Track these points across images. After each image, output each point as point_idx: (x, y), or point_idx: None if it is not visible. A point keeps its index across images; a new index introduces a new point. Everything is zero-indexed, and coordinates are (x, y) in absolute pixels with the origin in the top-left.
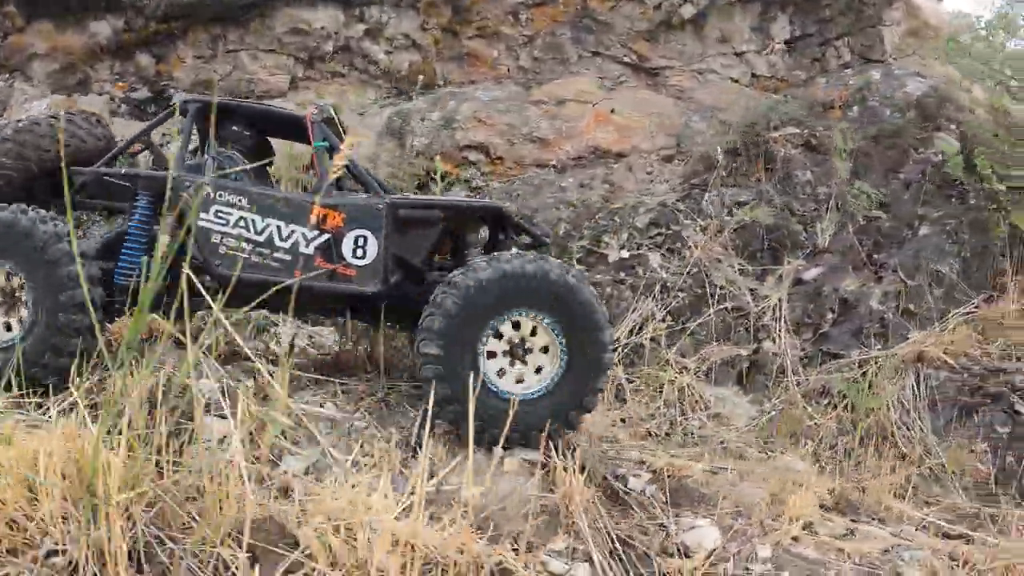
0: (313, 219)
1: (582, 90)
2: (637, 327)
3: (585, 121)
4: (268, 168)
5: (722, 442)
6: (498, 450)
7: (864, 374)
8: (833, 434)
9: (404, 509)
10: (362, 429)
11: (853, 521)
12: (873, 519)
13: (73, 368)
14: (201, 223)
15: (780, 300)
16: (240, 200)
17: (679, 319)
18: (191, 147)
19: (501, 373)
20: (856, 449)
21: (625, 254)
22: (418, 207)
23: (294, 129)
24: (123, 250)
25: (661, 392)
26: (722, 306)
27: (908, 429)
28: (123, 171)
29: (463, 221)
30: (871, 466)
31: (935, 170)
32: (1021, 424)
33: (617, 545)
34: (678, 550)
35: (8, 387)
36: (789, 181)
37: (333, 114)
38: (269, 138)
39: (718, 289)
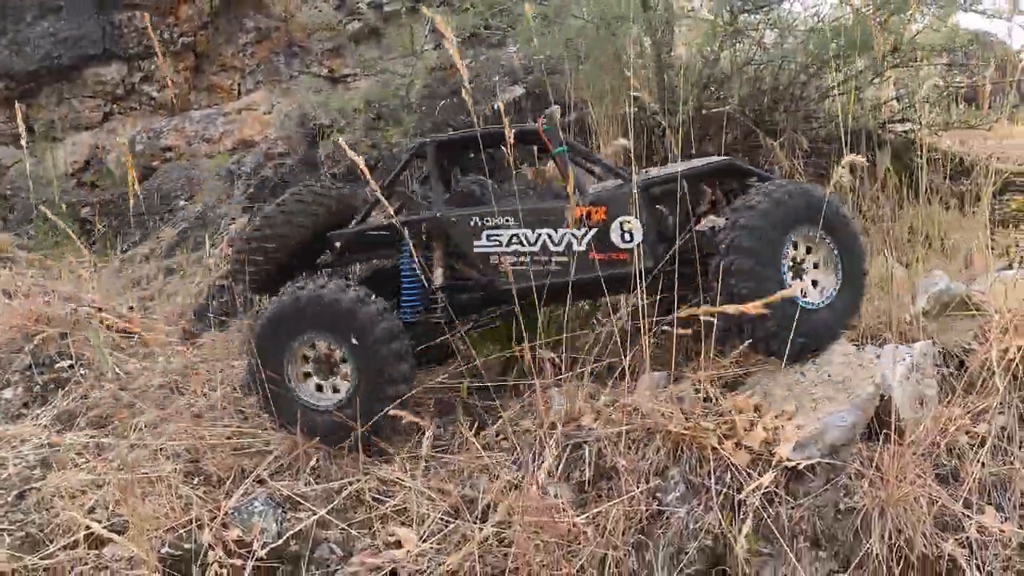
0: (579, 218)
1: (255, 101)
2: None
3: (246, 123)
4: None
5: None
6: None
7: None
8: None
9: None
10: None
11: None
12: None
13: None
14: (478, 249)
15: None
16: (508, 220)
17: None
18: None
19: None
20: None
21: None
22: (662, 182)
23: (529, 140)
24: (403, 292)
25: None
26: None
27: None
28: (386, 223)
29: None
30: None
31: None
32: None
33: None
34: None
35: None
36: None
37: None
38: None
39: None
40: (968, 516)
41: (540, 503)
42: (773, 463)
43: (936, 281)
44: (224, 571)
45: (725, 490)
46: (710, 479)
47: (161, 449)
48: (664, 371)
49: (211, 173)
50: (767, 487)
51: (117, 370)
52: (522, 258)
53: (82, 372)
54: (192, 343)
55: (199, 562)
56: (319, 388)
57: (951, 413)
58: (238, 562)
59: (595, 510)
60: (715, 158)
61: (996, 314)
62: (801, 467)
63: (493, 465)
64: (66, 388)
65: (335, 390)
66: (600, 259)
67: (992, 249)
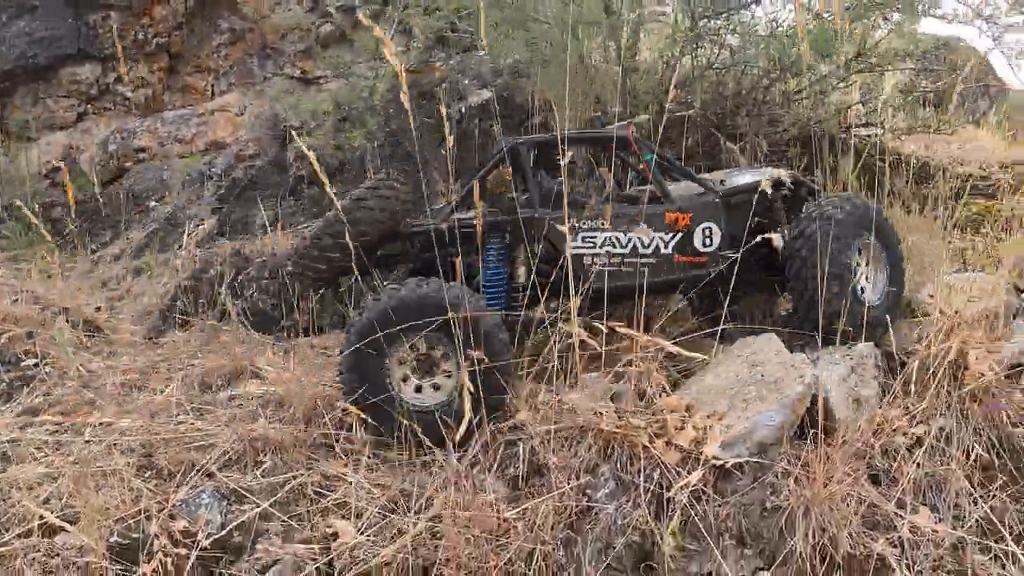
0: (668, 223)
1: (228, 102)
2: None
3: (219, 124)
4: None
5: None
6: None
7: None
8: None
9: None
10: None
11: None
12: None
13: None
14: (573, 251)
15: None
16: (602, 223)
17: None
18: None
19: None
20: None
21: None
22: (738, 193)
23: (615, 147)
24: (486, 288)
25: None
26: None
27: None
28: (475, 220)
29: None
30: None
31: None
32: None
33: None
34: None
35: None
36: None
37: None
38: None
39: None
40: (901, 516)
41: (473, 498)
42: (702, 461)
43: None
44: (168, 560)
45: (654, 488)
46: (639, 477)
47: (116, 444)
48: (599, 371)
49: (182, 174)
50: (695, 485)
51: (81, 368)
52: (613, 259)
53: (47, 370)
54: (155, 342)
55: (145, 551)
56: (418, 389)
57: (888, 414)
58: (183, 551)
59: (525, 505)
60: (780, 171)
61: (939, 315)
62: (729, 465)
63: (432, 460)
64: (31, 386)
65: (435, 389)
66: (683, 261)
67: (949, 251)
